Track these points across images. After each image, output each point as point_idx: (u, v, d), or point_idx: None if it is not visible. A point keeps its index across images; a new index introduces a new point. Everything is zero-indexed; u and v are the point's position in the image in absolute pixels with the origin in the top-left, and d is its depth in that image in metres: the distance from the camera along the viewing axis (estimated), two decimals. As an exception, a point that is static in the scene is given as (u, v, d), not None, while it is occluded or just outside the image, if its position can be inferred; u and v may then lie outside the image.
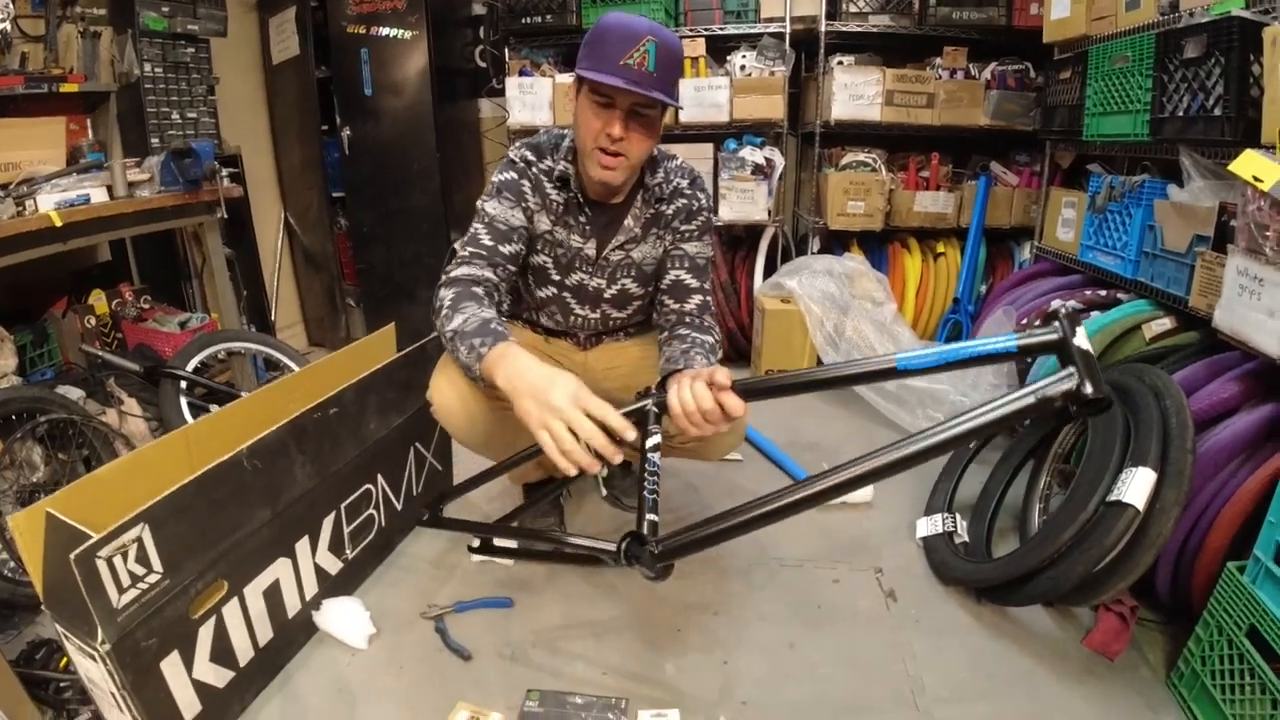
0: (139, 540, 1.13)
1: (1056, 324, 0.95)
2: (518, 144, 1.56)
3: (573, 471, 1.08)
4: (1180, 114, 1.89)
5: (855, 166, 3.03)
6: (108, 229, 2.25)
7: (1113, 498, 1.42)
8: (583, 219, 1.54)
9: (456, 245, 1.49)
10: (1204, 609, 1.38)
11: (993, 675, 1.46)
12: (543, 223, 1.53)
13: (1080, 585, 1.44)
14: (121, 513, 1.11)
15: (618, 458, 1.09)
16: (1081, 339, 0.93)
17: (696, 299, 1.59)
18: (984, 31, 2.97)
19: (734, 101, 2.96)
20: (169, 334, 2.52)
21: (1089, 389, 0.88)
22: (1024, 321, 2.45)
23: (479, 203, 1.51)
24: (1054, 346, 0.95)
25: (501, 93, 3.13)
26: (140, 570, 1.14)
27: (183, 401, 2.25)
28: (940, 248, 3.14)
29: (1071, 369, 0.91)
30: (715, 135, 3.10)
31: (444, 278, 1.43)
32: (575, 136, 1.46)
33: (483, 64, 3.36)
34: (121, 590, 1.11)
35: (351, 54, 3.12)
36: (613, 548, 1.20)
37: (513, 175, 1.51)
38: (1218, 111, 1.74)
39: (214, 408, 2.30)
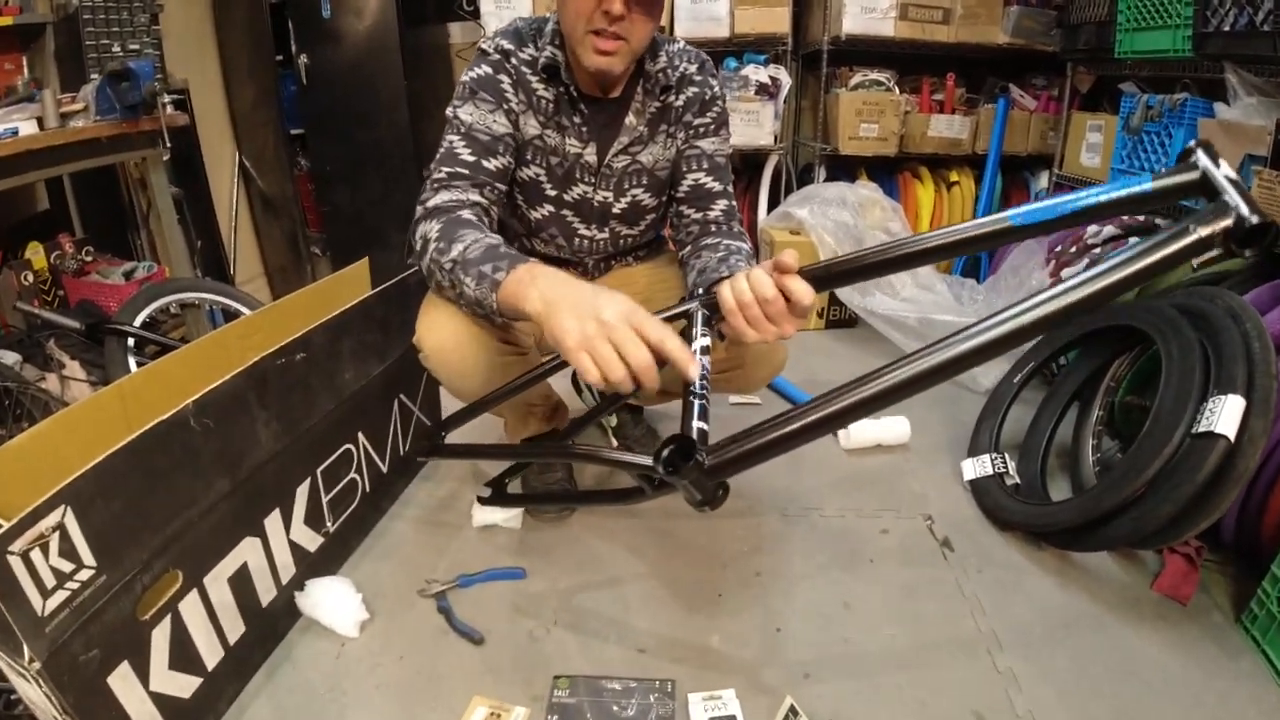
0: (61, 527, 0.86)
1: (1195, 158, 0.78)
2: (491, 34, 1.29)
3: (601, 386, 0.83)
4: (1226, 29, 1.81)
5: (868, 85, 2.79)
6: (38, 165, 1.95)
7: (1201, 428, 1.27)
8: (578, 119, 1.28)
9: (431, 166, 1.23)
10: (1278, 547, 1.28)
11: (1068, 625, 1.32)
12: (531, 126, 1.27)
13: (1165, 526, 1.29)
14: (43, 492, 0.85)
15: (656, 384, 0.83)
16: (1226, 169, 0.76)
17: (722, 204, 1.36)
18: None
19: (735, 14, 2.69)
20: (113, 286, 2.25)
21: (1253, 216, 0.72)
22: (1058, 249, 2.27)
23: (450, 110, 1.25)
24: (1197, 186, 0.78)
25: (474, 15, 2.82)
26: (67, 566, 0.88)
27: (130, 361, 1.99)
28: (954, 176, 2.93)
29: (1225, 199, 0.74)
30: (714, 53, 2.81)
31: (420, 209, 1.18)
32: (563, 20, 1.19)
33: (453, -21, 3.04)
34: (46, 593, 0.85)
35: (306, -30, 2.80)
36: (648, 461, 0.90)
37: (488, 70, 1.24)
38: (1267, 28, 1.67)
39: (168, 366, 2.06)
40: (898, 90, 2.85)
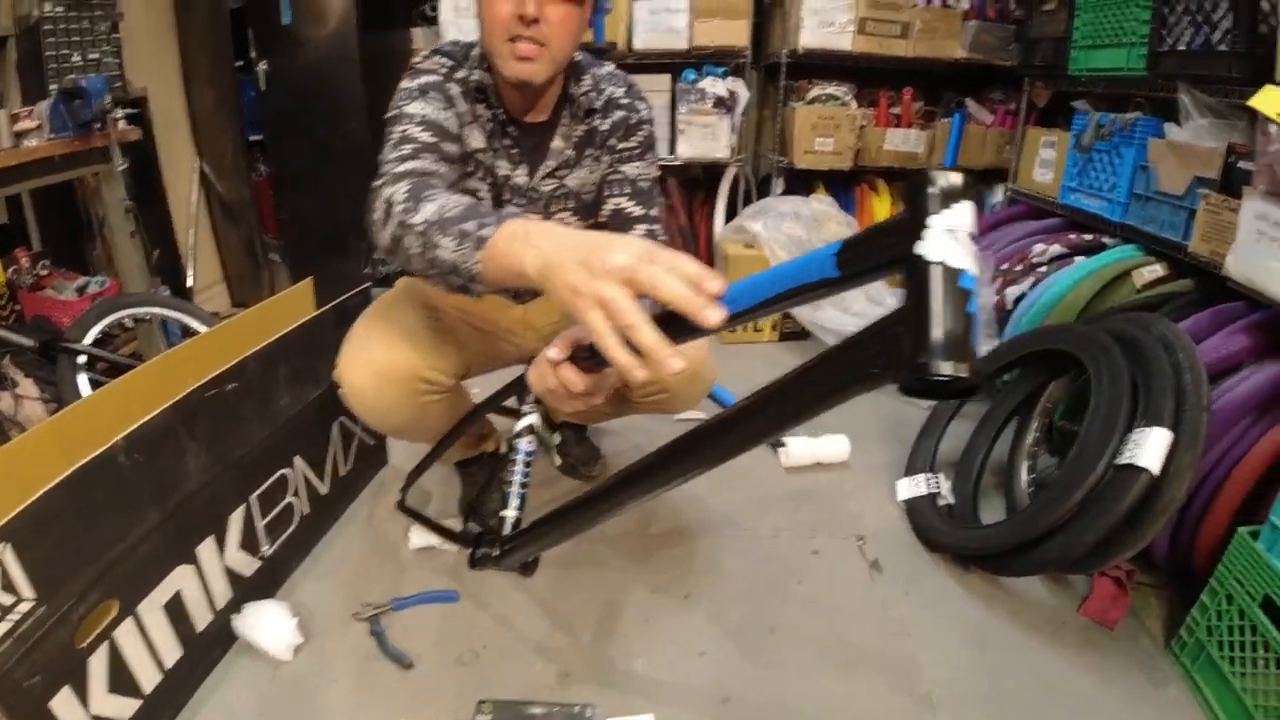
0: (0, 564, 0.92)
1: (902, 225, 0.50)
2: (424, 52, 1.26)
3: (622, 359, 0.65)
4: (1181, 48, 1.78)
5: (824, 100, 2.82)
6: (-7, 185, 1.95)
7: (1124, 460, 1.29)
8: (508, 141, 1.26)
9: (380, 157, 1.11)
10: (1208, 574, 1.30)
11: (989, 650, 1.36)
12: (475, 139, 1.24)
13: (1087, 554, 1.32)
14: None
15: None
16: (936, 234, 0.47)
17: (641, 229, 1.32)
18: (965, -43, 2.76)
19: (694, 26, 2.70)
20: (66, 302, 2.24)
21: (925, 360, 0.45)
22: (1004, 267, 2.31)
23: (393, 109, 1.17)
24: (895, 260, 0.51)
25: (435, 20, 2.82)
26: (7, 599, 0.94)
27: (81, 379, 1.99)
28: (911, 189, 2.96)
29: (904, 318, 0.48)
30: (673, 65, 2.84)
31: (380, 180, 1.03)
32: (482, 35, 1.17)
33: (413, -15, 3.04)
34: None
35: (266, -24, 2.78)
36: (465, 545, 0.97)
37: (434, 78, 1.19)
38: (1224, 47, 1.65)
39: (119, 383, 2.06)
40: (855, 104, 2.87)
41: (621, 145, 1.32)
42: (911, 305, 0.47)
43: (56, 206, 2.52)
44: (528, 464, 0.97)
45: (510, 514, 0.95)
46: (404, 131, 1.12)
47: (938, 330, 0.45)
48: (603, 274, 0.65)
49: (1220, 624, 1.25)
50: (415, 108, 1.15)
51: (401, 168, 1.05)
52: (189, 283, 3.01)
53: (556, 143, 1.29)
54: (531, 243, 0.75)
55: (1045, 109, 2.70)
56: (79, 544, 1.04)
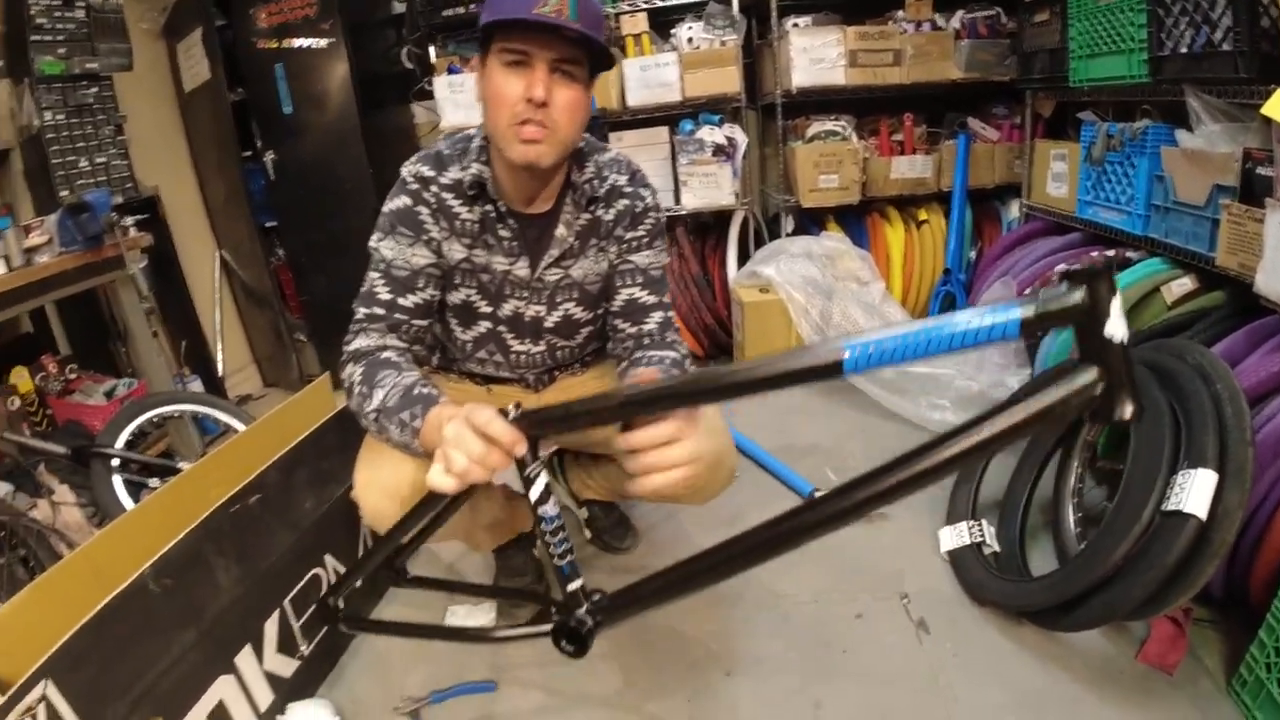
0: (44, 699, 0.97)
1: (1074, 289, 0.66)
2: (412, 159, 1.29)
3: (452, 487, 0.94)
4: (1183, 51, 1.70)
5: (824, 137, 2.81)
6: (11, 304, 2.02)
7: (1171, 506, 1.23)
8: (506, 234, 1.27)
9: (355, 303, 1.25)
10: (1266, 607, 1.23)
11: (1044, 710, 1.30)
12: (455, 250, 1.27)
13: (1138, 606, 1.26)
14: (25, 658, 0.97)
15: (503, 463, 0.95)
16: (1116, 316, 0.65)
17: (656, 316, 1.34)
18: (947, -26, 2.75)
19: (685, 78, 2.71)
20: (95, 406, 2.29)
21: (1119, 407, 0.66)
22: (1026, 292, 2.27)
23: (372, 242, 1.26)
24: (1070, 315, 0.66)
25: (433, 95, 2.88)
26: None
27: (116, 482, 2.02)
28: (922, 214, 2.93)
29: (1091, 369, 0.67)
30: (669, 117, 2.85)
31: (344, 351, 1.21)
32: (487, 119, 1.18)
33: (410, 65, 3.10)
34: None
35: (266, 71, 2.86)
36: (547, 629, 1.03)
37: (406, 202, 1.24)
38: (1226, 46, 1.56)
39: (153, 482, 2.09)
40: (856, 136, 2.86)
41: (629, 235, 1.33)
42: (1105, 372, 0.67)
43: (79, 310, 2.60)
44: (560, 527, 0.99)
45: (575, 585, 0.99)
46: (371, 283, 1.25)
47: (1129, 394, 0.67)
48: (442, 443, 0.95)
49: (1279, 659, 1.19)
50: (385, 247, 1.25)
51: (356, 344, 1.21)
52: (219, 370, 3.07)
53: (560, 231, 1.29)
54: (441, 431, 0.96)
55: (1052, 117, 2.65)
56: (118, 671, 1.08)
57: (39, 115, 2.29)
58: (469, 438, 0.92)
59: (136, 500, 1.99)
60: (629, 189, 1.32)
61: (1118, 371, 0.66)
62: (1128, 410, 0.66)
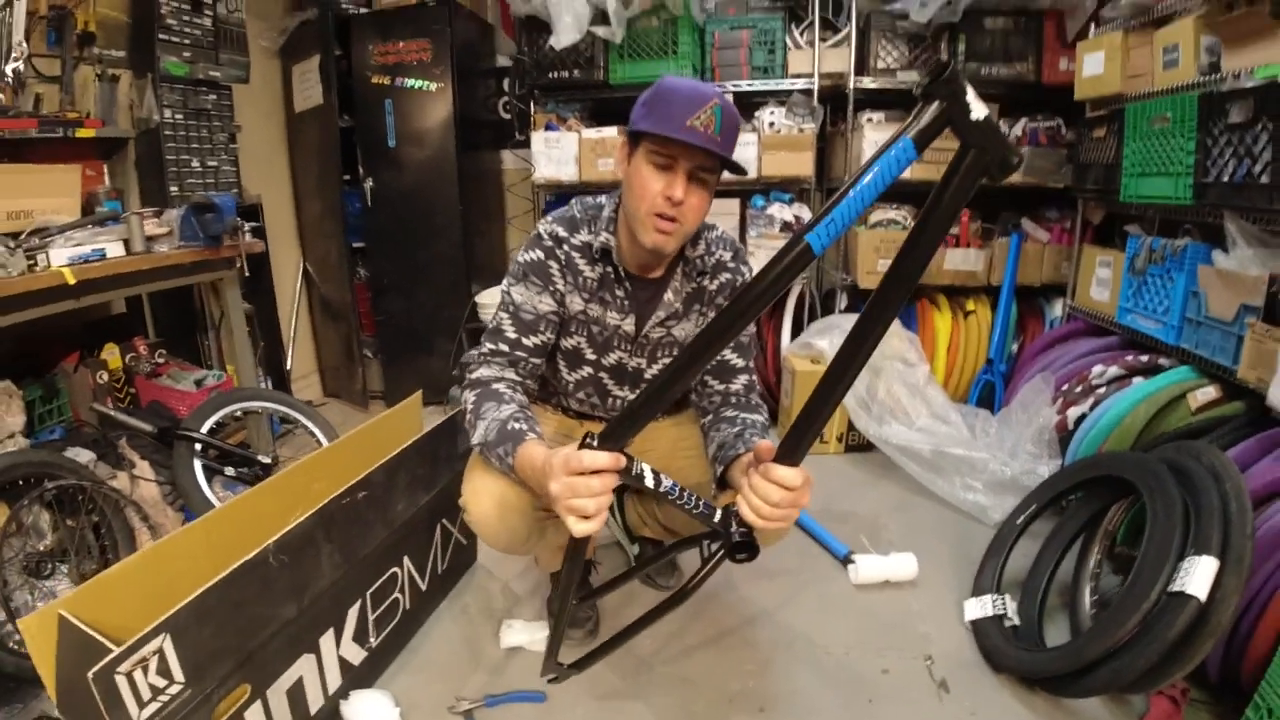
0: (160, 652, 1.06)
1: (932, 101, 0.75)
2: (548, 219, 1.46)
3: (595, 527, 1.02)
4: (1225, 179, 1.85)
5: (885, 225, 2.98)
6: (123, 285, 2.16)
7: (1175, 587, 1.36)
8: (620, 293, 1.45)
9: (483, 336, 1.42)
10: (1255, 691, 1.34)
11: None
12: (575, 303, 1.45)
13: (1140, 677, 1.38)
14: (138, 614, 1.05)
15: (614, 481, 1.02)
16: (974, 102, 0.74)
17: (743, 378, 1.50)
18: (1013, 87, 2.93)
19: (762, 158, 2.91)
20: (184, 392, 2.45)
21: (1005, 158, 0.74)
22: (1064, 387, 2.39)
23: (504, 284, 1.44)
24: (942, 118, 0.76)
25: (525, 144, 3.09)
26: (161, 682, 1.07)
27: (197, 465, 2.16)
28: (970, 305, 3.07)
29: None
30: (743, 191, 3.05)
31: (467, 376, 1.39)
32: (626, 200, 1.36)
33: (507, 115, 3.34)
34: (142, 705, 1.04)
35: (375, 104, 3.11)
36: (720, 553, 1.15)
37: (539, 255, 1.41)
38: (1265, 179, 1.70)
39: (229, 470, 2.23)
40: (914, 226, 3.01)
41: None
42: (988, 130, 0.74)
43: (172, 302, 2.77)
44: (682, 490, 1.12)
45: (718, 516, 1.12)
46: (499, 322, 1.42)
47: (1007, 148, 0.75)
48: (553, 498, 1.02)
49: (1264, 739, 1.27)
50: (516, 292, 1.42)
51: (478, 373, 1.38)
52: (288, 369, 3.23)
53: (668, 296, 1.46)
54: (524, 471, 1.18)
55: (1100, 226, 2.79)
56: (226, 635, 1.18)
57: (159, 111, 2.44)
58: (578, 483, 0.99)
59: (210, 484, 2.13)
60: (732, 264, 1.50)
61: (991, 134, 0.74)
62: (1013, 161, 0.75)
